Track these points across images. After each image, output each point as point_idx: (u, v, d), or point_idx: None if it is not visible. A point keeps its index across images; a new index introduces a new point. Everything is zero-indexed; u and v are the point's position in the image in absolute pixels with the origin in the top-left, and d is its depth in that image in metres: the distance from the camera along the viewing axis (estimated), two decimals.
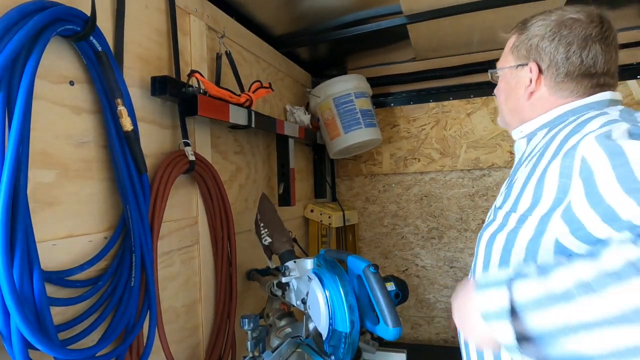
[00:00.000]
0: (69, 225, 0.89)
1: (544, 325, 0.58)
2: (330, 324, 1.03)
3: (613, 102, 0.85)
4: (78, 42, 0.88)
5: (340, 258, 1.09)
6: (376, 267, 1.00)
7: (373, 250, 2.55)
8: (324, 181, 2.43)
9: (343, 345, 1.01)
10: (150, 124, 1.14)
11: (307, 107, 2.24)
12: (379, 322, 0.97)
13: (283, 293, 1.28)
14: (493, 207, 0.90)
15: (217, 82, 1.40)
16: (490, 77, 1.00)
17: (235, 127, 1.48)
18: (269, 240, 1.35)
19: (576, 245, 0.70)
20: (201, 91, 1.20)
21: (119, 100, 0.93)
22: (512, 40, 0.93)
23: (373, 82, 2.29)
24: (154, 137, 1.15)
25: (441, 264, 2.41)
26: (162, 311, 1.11)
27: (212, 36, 1.43)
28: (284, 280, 1.21)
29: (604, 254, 0.56)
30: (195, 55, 1.32)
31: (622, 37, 2.15)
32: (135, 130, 0.97)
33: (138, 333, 1.00)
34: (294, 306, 1.26)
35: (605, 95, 0.84)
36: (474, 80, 2.28)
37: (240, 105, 1.37)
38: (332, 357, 1.04)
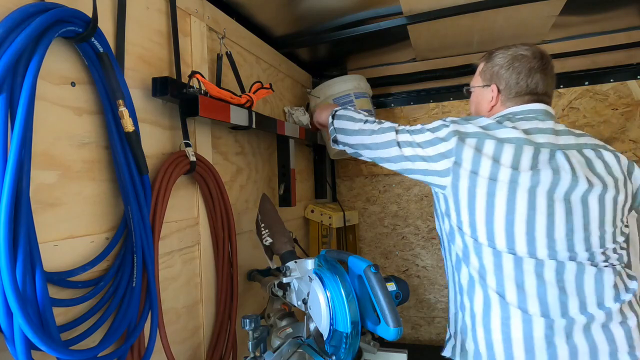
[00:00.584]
0: (71, 226, 0.90)
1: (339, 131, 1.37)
2: (331, 324, 1.04)
3: (547, 113, 1.13)
4: (79, 43, 0.88)
5: (341, 258, 1.09)
6: (377, 267, 1.00)
7: (374, 251, 2.55)
8: (325, 182, 2.43)
9: (344, 346, 1.01)
10: (152, 124, 1.14)
11: (307, 108, 2.24)
12: (379, 322, 0.97)
13: (284, 293, 1.28)
14: None
15: (218, 83, 1.41)
16: (464, 92, 1.32)
17: (236, 127, 1.48)
18: (270, 240, 1.35)
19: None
20: (202, 92, 1.21)
21: (120, 101, 0.94)
22: (481, 66, 1.25)
23: (373, 82, 2.29)
24: (155, 137, 1.15)
25: (442, 264, 2.41)
26: (163, 312, 1.11)
27: (213, 37, 1.43)
28: (285, 280, 1.21)
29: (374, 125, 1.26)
30: (196, 56, 1.32)
31: (622, 37, 2.17)
32: (137, 131, 0.97)
33: (139, 334, 1.01)
34: (295, 306, 1.26)
35: (539, 105, 1.13)
36: None
37: (241, 106, 1.38)
38: (333, 358, 1.04)
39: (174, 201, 1.20)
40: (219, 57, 1.42)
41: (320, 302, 1.05)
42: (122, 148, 0.96)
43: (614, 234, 1.03)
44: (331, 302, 1.03)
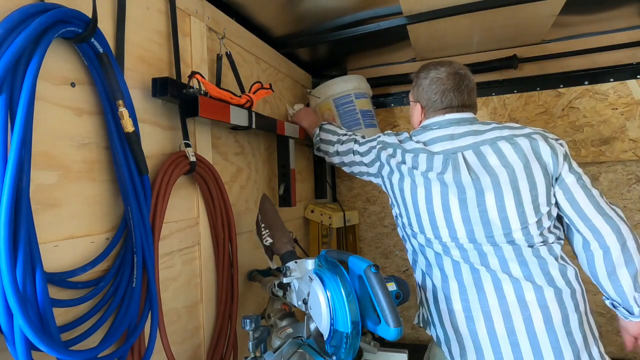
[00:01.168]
0: (71, 226, 0.90)
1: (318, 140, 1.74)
2: (331, 324, 1.04)
3: (461, 120, 1.29)
4: (79, 43, 0.89)
5: (341, 258, 1.09)
6: (377, 267, 1.00)
7: (374, 251, 2.55)
8: (325, 182, 2.43)
9: (344, 346, 1.01)
10: (151, 125, 1.14)
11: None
12: (380, 322, 0.97)
13: (284, 293, 1.28)
14: None
15: (218, 83, 1.41)
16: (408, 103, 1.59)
17: (235, 128, 1.48)
18: (270, 240, 1.35)
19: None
20: (202, 92, 1.21)
21: (120, 102, 0.94)
22: (413, 83, 1.41)
23: (373, 82, 2.29)
24: (155, 138, 1.15)
25: None
26: (163, 312, 1.11)
27: (213, 37, 1.43)
28: (285, 280, 1.21)
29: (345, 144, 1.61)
30: (196, 56, 1.32)
31: (622, 37, 2.17)
32: (137, 131, 0.97)
33: (140, 334, 1.00)
34: (295, 307, 1.26)
35: (453, 115, 1.30)
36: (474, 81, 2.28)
37: (241, 106, 1.38)
38: (334, 358, 1.04)
39: (174, 201, 1.20)
40: (219, 58, 1.42)
41: (321, 302, 1.05)
42: (122, 148, 0.96)
43: (523, 214, 1.15)
44: (331, 302, 1.03)
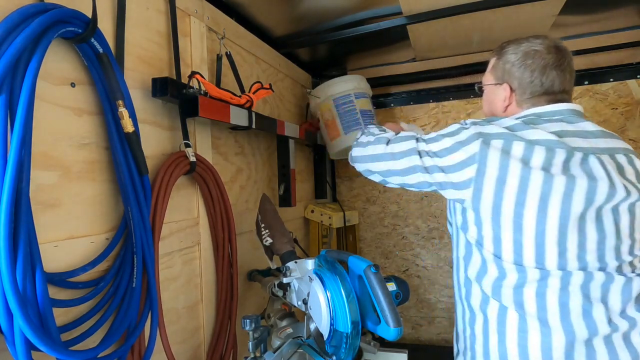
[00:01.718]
0: (71, 226, 0.90)
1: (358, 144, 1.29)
2: (331, 325, 1.04)
3: (574, 112, 1.03)
4: (79, 43, 0.88)
5: (341, 258, 1.09)
6: (377, 267, 1.00)
7: (374, 251, 2.55)
8: (325, 182, 2.43)
9: (344, 346, 1.01)
10: (151, 125, 1.14)
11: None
12: (380, 322, 0.97)
13: (284, 293, 1.28)
14: None
15: (218, 84, 1.41)
16: (476, 89, 1.22)
17: (235, 128, 1.48)
18: (270, 240, 1.35)
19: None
20: (202, 92, 1.21)
21: (120, 102, 0.94)
22: (492, 61, 1.15)
23: (373, 82, 2.29)
24: (154, 138, 1.15)
25: (442, 264, 2.41)
26: (163, 312, 1.11)
27: (213, 37, 1.43)
28: (285, 280, 1.21)
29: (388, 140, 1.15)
30: (196, 56, 1.32)
31: (622, 37, 2.16)
32: (136, 131, 0.97)
33: (140, 334, 1.01)
34: (295, 307, 1.26)
35: (563, 105, 1.04)
36: (473, 80, 2.26)
37: (241, 106, 1.38)
38: (334, 358, 1.04)
39: (174, 202, 1.20)
40: (219, 58, 1.42)
41: (321, 302, 1.05)
42: (122, 148, 0.96)
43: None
44: (331, 302, 1.03)
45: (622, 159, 0.97)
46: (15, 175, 0.71)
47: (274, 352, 1.10)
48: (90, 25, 0.87)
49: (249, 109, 1.42)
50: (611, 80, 2.11)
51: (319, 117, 2.16)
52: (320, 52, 2.24)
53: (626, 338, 0.92)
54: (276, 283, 1.31)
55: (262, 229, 1.38)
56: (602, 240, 0.92)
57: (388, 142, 1.14)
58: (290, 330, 1.24)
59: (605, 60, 2.12)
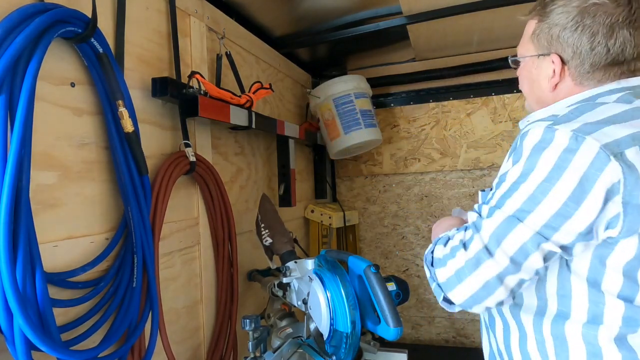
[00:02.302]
0: (71, 226, 0.89)
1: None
2: (331, 324, 1.04)
3: None
4: (79, 43, 0.88)
5: (341, 258, 1.09)
6: (377, 267, 1.00)
7: (374, 251, 2.55)
8: (324, 182, 2.43)
9: (344, 346, 1.01)
10: (151, 125, 1.14)
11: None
12: (380, 322, 0.97)
13: (284, 293, 1.28)
14: None
15: (218, 83, 1.40)
16: (510, 63, 0.94)
17: (235, 128, 1.48)
18: (270, 240, 1.35)
19: None
20: (202, 92, 1.21)
21: (120, 102, 0.94)
22: (531, 25, 0.87)
23: (373, 82, 2.29)
24: (154, 138, 1.15)
25: None
26: (163, 312, 1.11)
27: (213, 37, 1.43)
28: (285, 280, 1.21)
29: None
30: (196, 56, 1.32)
31: None
32: (136, 131, 0.97)
33: (140, 334, 1.00)
34: (295, 306, 1.26)
35: (633, 81, 0.79)
36: (473, 80, 2.28)
37: (241, 106, 1.38)
38: (334, 358, 1.04)
39: (174, 201, 1.20)
40: (219, 58, 1.42)
41: (321, 302, 1.05)
42: (121, 148, 0.96)
43: None
44: (331, 302, 1.03)
45: None
46: (15, 175, 0.71)
47: (274, 352, 1.10)
48: (90, 25, 0.87)
49: (249, 109, 1.42)
50: None
51: (319, 117, 2.16)
52: (320, 52, 2.24)
53: None
54: (276, 283, 1.31)
55: (262, 229, 1.38)
56: None
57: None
58: (290, 330, 1.24)
59: None
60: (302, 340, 1.15)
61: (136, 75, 1.09)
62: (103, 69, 0.92)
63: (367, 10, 1.75)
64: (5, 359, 0.74)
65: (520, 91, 0.95)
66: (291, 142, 1.84)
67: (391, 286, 1.12)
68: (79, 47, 0.90)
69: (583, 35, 0.78)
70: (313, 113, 2.19)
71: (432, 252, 0.82)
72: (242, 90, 1.52)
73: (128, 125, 0.95)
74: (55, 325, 0.77)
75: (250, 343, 1.11)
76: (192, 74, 1.18)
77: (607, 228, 0.69)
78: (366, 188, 2.55)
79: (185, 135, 1.23)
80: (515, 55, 0.93)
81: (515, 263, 0.71)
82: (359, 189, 2.57)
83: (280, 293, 1.30)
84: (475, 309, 0.76)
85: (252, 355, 1.11)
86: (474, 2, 1.64)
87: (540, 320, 0.79)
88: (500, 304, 0.75)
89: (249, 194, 1.66)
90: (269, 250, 1.36)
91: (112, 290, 0.95)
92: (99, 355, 0.88)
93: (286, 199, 1.83)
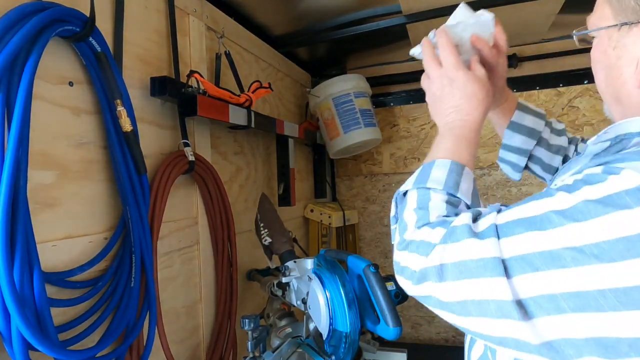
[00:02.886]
0: (69, 226, 0.89)
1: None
2: (330, 324, 1.03)
3: None
4: (77, 42, 0.88)
5: (341, 258, 1.09)
6: (376, 266, 1.00)
7: (373, 250, 2.55)
8: (324, 181, 2.43)
9: (343, 345, 1.01)
10: (150, 124, 1.14)
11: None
12: (379, 321, 0.97)
13: (283, 293, 1.28)
14: None
15: (217, 83, 1.40)
16: (576, 42, 0.66)
17: (235, 127, 1.48)
18: (269, 240, 1.35)
19: None
20: (201, 91, 1.20)
21: (119, 101, 0.93)
22: None
23: (372, 81, 2.29)
24: (153, 137, 1.15)
25: None
26: (162, 312, 1.11)
27: (212, 36, 1.43)
28: (284, 280, 1.21)
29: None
30: (195, 55, 1.32)
31: None
32: (135, 130, 0.97)
33: (138, 334, 1.00)
34: (294, 306, 1.26)
35: None
36: None
37: (240, 105, 1.37)
38: (333, 357, 1.04)
39: (172, 201, 1.20)
40: (218, 57, 1.42)
41: (320, 301, 1.05)
42: (120, 148, 0.96)
43: None
44: (330, 302, 1.03)
45: None
46: (13, 175, 0.71)
47: (273, 352, 1.10)
48: (88, 24, 0.87)
49: (248, 108, 1.42)
50: None
51: (318, 117, 2.16)
52: (319, 51, 2.24)
53: None
54: (275, 282, 1.31)
55: (262, 229, 1.38)
56: None
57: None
58: (289, 329, 1.24)
59: None
60: (301, 339, 1.15)
61: (135, 74, 1.08)
62: (101, 68, 0.92)
63: (367, 9, 1.75)
64: (3, 358, 0.74)
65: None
66: (291, 142, 1.84)
67: (390, 286, 1.12)
68: (77, 46, 0.89)
69: None
70: (312, 112, 2.19)
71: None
72: (242, 90, 1.52)
73: (126, 125, 0.94)
74: (52, 325, 0.76)
75: (249, 343, 1.11)
76: (191, 73, 1.18)
77: None
78: (366, 187, 2.55)
79: (184, 135, 1.22)
80: (582, 31, 0.62)
81: None
82: (359, 189, 2.56)
83: (279, 293, 1.29)
84: None
85: (251, 355, 1.11)
86: (473, 1, 1.64)
87: None
88: None
89: (248, 193, 1.66)
90: (268, 250, 1.36)
91: (111, 290, 0.95)
92: (97, 355, 0.88)
93: (286, 199, 1.82)
